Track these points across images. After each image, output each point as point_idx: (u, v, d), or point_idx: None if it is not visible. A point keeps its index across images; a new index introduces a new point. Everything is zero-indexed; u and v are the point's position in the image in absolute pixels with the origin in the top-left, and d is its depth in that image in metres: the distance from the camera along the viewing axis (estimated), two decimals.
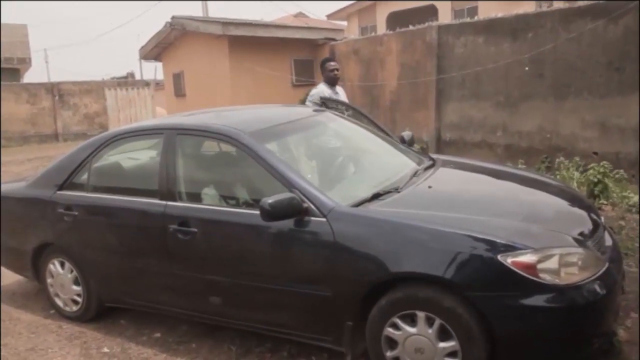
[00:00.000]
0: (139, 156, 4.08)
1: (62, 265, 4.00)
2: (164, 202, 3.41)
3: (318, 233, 2.90)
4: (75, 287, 3.96)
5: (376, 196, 3.10)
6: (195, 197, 3.42)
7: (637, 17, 6.67)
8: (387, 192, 3.15)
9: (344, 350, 3.00)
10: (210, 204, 3.35)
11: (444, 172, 3.66)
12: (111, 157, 3.96)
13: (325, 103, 5.37)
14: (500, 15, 8.71)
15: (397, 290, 2.77)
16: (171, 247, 3.37)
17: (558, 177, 6.76)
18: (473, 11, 15.63)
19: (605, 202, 5.73)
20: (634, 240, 4.64)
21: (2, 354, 3.62)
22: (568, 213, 3.20)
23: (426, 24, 10.01)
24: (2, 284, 4.83)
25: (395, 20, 18.13)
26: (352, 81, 11.39)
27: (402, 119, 10.28)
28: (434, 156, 4.11)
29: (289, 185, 3.01)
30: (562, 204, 3.33)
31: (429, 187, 3.29)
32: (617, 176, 6.32)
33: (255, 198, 3.25)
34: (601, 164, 5.98)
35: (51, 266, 4.06)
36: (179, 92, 13.78)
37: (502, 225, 2.80)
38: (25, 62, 22.44)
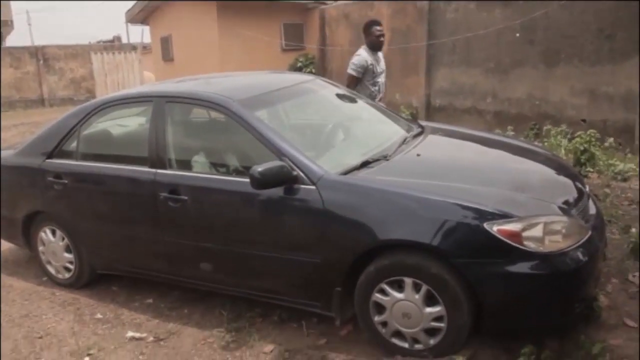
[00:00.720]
0: (128, 123, 4.05)
1: (54, 233, 4.01)
2: (154, 170, 3.42)
3: (307, 201, 2.93)
4: (67, 255, 3.99)
5: (365, 164, 3.12)
6: (186, 165, 3.43)
7: None
8: (376, 160, 3.18)
9: (333, 315, 3.07)
10: (200, 171, 3.36)
11: (433, 139, 3.68)
12: (100, 125, 3.94)
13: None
14: None
15: (385, 257, 2.82)
16: (162, 214, 3.39)
17: (546, 144, 6.82)
18: None
19: (591, 170, 5.80)
20: (618, 208, 4.73)
21: None
22: (554, 182, 3.25)
23: None
24: None
25: None
26: (342, 46, 11.31)
27: (393, 85, 10.19)
28: (423, 123, 4.13)
29: (279, 153, 3.03)
30: (548, 172, 3.38)
31: (418, 155, 3.31)
32: (605, 144, 6.37)
33: (245, 166, 3.26)
34: (588, 132, 6.03)
35: (42, 234, 4.07)
36: (167, 57, 13.58)
37: (488, 194, 2.84)
38: (7, 24, 21.89)
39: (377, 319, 2.92)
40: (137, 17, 14.68)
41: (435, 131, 3.89)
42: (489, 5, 8.43)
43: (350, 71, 5.37)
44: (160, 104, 3.49)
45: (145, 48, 19.26)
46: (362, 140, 3.63)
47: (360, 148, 3.42)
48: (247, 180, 2.97)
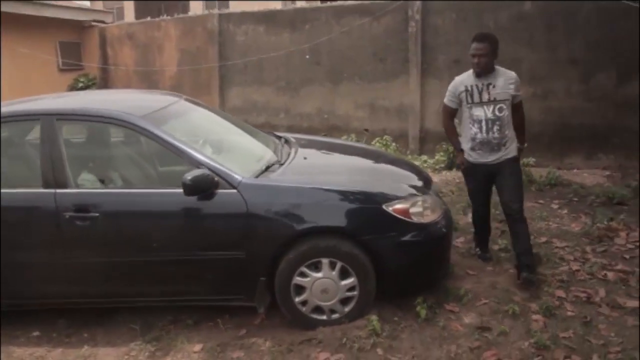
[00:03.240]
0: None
1: None
2: (52, 191, 3.30)
3: (230, 203, 3.25)
4: None
5: (267, 168, 3.57)
6: (92, 182, 3.40)
7: (398, 17, 8.14)
8: (273, 165, 3.65)
9: (255, 305, 3.42)
10: (110, 187, 3.38)
11: (305, 147, 4.26)
12: None
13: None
14: (279, 8, 9.56)
15: (302, 243, 3.30)
16: (66, 234, 3.30)
17: None
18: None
19: None
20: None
21: None
22: (411, 172, 4.10)
23: (207, 12, 10.34)
24: None
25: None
26: (127, 66, 11.12)
27: None
28: (279, 134, 4.69)
29: (196, 163, 3.28)
30: (403, 166, 4.25)
31: (305, 158, 3.87)
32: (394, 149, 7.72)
33: (155, 177, 3.41)
34: (384, 137, 7.28)
35: None
36: None
37: (378, 183, 3.55)
38: None
39: (297, 299, 3.38)
40: None
41: (298, 140, 4.46)
42: (277, 30, 9.33)
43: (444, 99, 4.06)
44: (49, 122, 3.38)
45: None
46: (247, 150, 4.02)
47: (250, 157, 3.82)
48: (165, 190, 3.20)
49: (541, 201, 5.64)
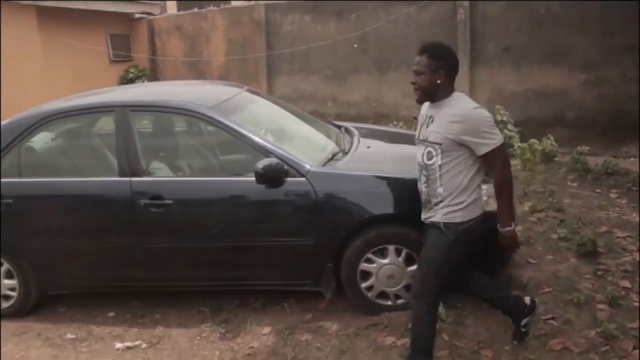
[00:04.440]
0: (77, 136, 3.92)
1: None
2: (127, 179, 3.46)
3: (300, 191, 3.35)
4: (7, 281, 3.71)
5: (333, 157, 3.65)
6: (165, 170, 3.54)
7: (446, 5, 8.08)
8: (338, 154, 3.72)
9: (322, 290, 3.53)
10: (183, 175, 3.52)
11: (364, 136, 4.32)
12: (45, 138, 3.76)
13: None
14: None
15: (369, 230, 3.38)
16: (141, 221, 3.46)
17: None
18: None
19: None
20: None
21: None
22: None
23: (252, 2, 10.45)
24: None
25: None
26: (175, 57, 11.35)
27: None
28: (339, 124, 4.76)
29: (265, 152, 3.38)
30: None
31: (368, 147, 3.94)
32: None
33: (225, 166, 3.53)
34: None
35: None
36: None
37: None
38: None
39: (363, 285, 3.46)
40: None
41: (358, 129, 4.52)
42: (323, 19, 9.38)
43: None
44: (123, 114, 3.53)
45: None
46: (310, 139, 4.11)
47: (314, 146, 3.91)
48: (238, 179, 3.31)
49: (598, 190, 5.55)
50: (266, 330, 3.47)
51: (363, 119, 9.21)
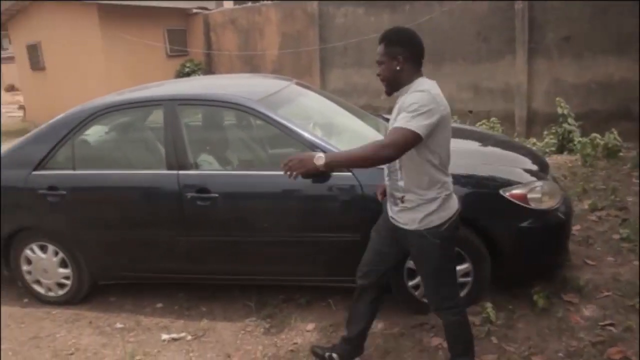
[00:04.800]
0: (127, 129, 4.00)
1: (43, 249, 3.83)
2: (175, 172, 3.49)
3: (346, 186, 3.28)
4: (62, 270, 3.84)
5: None
6: (212, 164, 3.56)
7: None
8: None
9: None
10: (229, 169, 3.52)
11: None
12: (98, 131, 3.86)
13: None
14: None
15: None
16: (188, 214, 3.48)
17: None
18: None
19: None
20: None
21: (6, 346, 3.46)
22: (526, 156, 3.94)
23: None
24: None
25: None
26: (230, 51, 11.49)
27: None
28: (388, 117, 4.65)
29: (312, 146, 3.33)
30: (518, 149, 4.10)
31: None
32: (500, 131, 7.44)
33: (272, 160, 3.51)
34: (491, 119, 7.04)
35: (28, 252, 3.86)
36: (37, 66, 12.47)
37: (494, 168, 3.44)
38: None
39: (410, 283, 3.37)
40: None
41: None
42: (376, 11, 9.24)
43: None
44: (171, 107, 3.56)
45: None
46: (358, 133, 4.03)
47: (361, 139, 3.81)
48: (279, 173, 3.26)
49: None
50: (310, 326, 3.44)
51: None
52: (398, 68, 2.41)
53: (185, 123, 3.74)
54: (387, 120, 4.44)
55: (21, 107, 14.77)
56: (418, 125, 2.22)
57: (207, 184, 3.42)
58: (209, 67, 11.91)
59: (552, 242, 3.39)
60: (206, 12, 11.85)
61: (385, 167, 2.53)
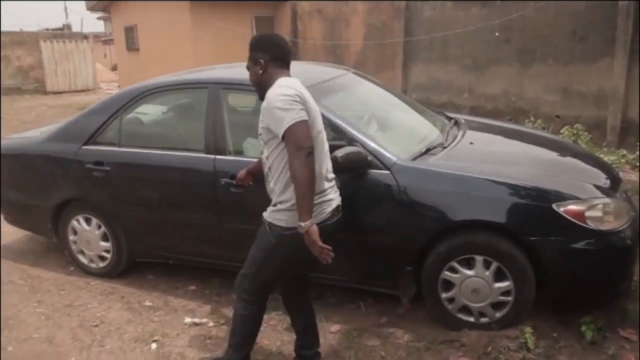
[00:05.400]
0: (173, 110, 4.02)
1: (88, 221, 3.94)
2: (212, 156, 3.43)
3: (382, 185, 3.06)
4: (103, 244, 3.93)
5: (427, 151, 3.30)
6: (246, 151, 3.46)
7: None
8: (435, 148, 3.36)
9: (399, 294, 3.23)
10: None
11: (474, 130, 3.89)
12: (145, 111, 3.89)
13: None
14: None
15: (456, 236, 3.00)
16: (221, 199, 3.41)
17: None
18: None
19: None
20: None
21: (41, 310, 3.58)
22: (597, 169, 3.52)
23: None
24: (2, 243, 4.68)
25: None
26: (315, 40, 11.44)
27: None
28: (451, 115, 4.35)
29: (351, 140, 3.14)
30: (589, 161, 3.67)
31: (471, 143, 3.52)
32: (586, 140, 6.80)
33: None
34: (575, 126, 6.46)
35: (74, 223, 3.98)
36: (132, 47, 13.26)
37: (550, 178, 3.08)
38: None
39: (444, 295, 3.10)
40: (98, 6, 14.20)
41: (468, 122, 4.10)
42: (466, 5, 8.78)
43: None
44: (215, 91, 3.51)
45: (100, 38, 18.63)
46: (410, 130, 3.79)
47: (413, 137, 3.59)
48: None
49: None
50: (334, 328, 3.27)
51: (500, 114, 8.54)
52: (261, 72, 2.50)
53: (232, 107, 3.67)
54: (449, 118, 4.18)
55: (120, 86, 15.65)
56: (293, 114, 2.27)
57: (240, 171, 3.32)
58: (293, 56, 11.89)
59: (612, 268, 2.98)
60: (295, 0, 11.86)
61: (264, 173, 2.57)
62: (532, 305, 3.00)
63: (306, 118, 2.30)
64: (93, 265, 4.04)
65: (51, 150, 3.97)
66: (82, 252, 4.04)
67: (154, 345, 3.18)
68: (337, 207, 2.58)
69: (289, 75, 2.53)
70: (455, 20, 8.91)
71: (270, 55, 2.49)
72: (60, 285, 3.93)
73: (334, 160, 2.94)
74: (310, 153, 2.26)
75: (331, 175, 2.59)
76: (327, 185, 2.51)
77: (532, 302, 2.99)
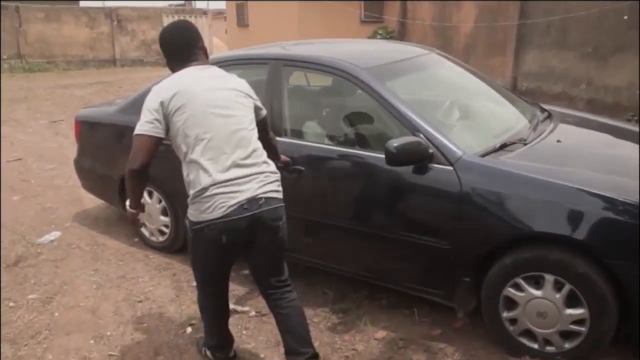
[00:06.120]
0: None
1: (150, 194, 3.93)
2: None
3: (443, 182, 2.69)
4: (162, 218, 3.91)
5: (503, 147, 2.87)
6: (303, 134, 3.24)
7: None
8: (513, 144, 2.92)
9: (454, 306, 2.86)
10: (321, 142, 3.17)
11: (567, 124, 3.37)
12: None
13: None
14: None
15: (525, 249, 2.57)
16: None
17: None
18: None
19: None
20: None
21: (95, 278, 3.63)
22: None
23: None
24: (83, 207, 4.86)
25: None
26: (424, 21, 10.90)
27: (476, 64, 9.72)
28: (547, 107, 3.82)
29: (413, 128, 2.79)
30: None
31: (558, 141, 3.03)
32: None
33: (370, 139, 3.07)
34: None
35: None
36: (242, 23, 13.66)
37: None
38: None
39: (505, 314, 2.69)
40: None
41: (564, 116, 3.56)
42: None
43: None
44: (277, 67, 3.30)
45: (219, 13, 19.34)
46: (490, 120, 3.36)
47: (491, 129, 3.17)
48: (375, 154, 2.80)
49: None
50: (380, 334, 2.98)
51: (621, 109, 7.59)
52: (168, 66, 2.49)
53: (289, 87, 3.45)
54: (543, 110, 3.68)
55: None
56: (142, 125, 2.28)
57: (294, 155, 3.10)
58: (401, 36, 11.46)
59: None
60: None
61: None
62: (610, 341, 2.51)
63: (152, 134, 2.26)
64: (153, 238, 4.05)
65: (121, 121, 4.00)
66: (144, 225, 4.06)
67: (189, 330, 3.09)
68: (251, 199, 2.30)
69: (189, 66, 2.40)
70: (577, 2, 8.00)
71: (164, 50, 2.49)
72: (121, 256, 3.98)
73: (388, 150, 2.63)
74: (134, 171, 2.29)
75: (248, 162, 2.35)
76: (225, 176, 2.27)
77: (612, 337, 2.50)
